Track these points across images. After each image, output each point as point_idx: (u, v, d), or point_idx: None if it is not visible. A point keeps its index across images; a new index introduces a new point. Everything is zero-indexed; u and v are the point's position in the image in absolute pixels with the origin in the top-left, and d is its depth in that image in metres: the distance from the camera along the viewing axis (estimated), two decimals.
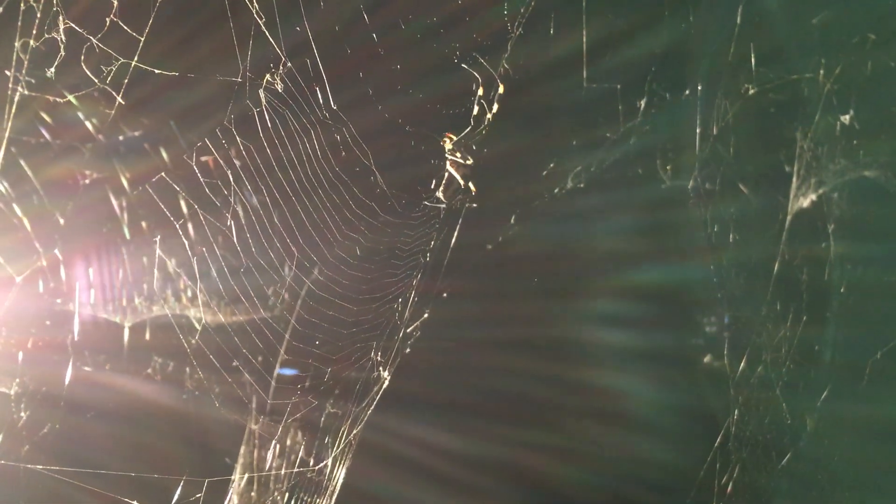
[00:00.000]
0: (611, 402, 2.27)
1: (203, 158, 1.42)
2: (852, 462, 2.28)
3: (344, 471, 1.68)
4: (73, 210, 1.58)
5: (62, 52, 1.10)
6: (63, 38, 1.09)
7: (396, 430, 1.85)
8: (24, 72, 1.08)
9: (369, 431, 1.67)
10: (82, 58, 1.11)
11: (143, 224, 1.70)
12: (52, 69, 1.11)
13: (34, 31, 1.08)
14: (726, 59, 2.06)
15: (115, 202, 1.69)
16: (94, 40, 1.11)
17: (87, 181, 1.66)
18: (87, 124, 1.56)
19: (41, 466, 1.29)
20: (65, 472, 1.28)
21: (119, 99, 1.15)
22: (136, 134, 1.68)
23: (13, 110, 1.10)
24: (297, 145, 1.31)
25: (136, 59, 1.14)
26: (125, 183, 1.69)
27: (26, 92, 1.10)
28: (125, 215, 1.70)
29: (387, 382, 1.65)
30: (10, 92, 1.09)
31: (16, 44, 1.07)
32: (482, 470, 2.00)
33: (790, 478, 2.32)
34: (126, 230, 1.69)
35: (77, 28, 1.10)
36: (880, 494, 2.24)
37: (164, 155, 1.68)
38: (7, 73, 1.09)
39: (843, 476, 2.29)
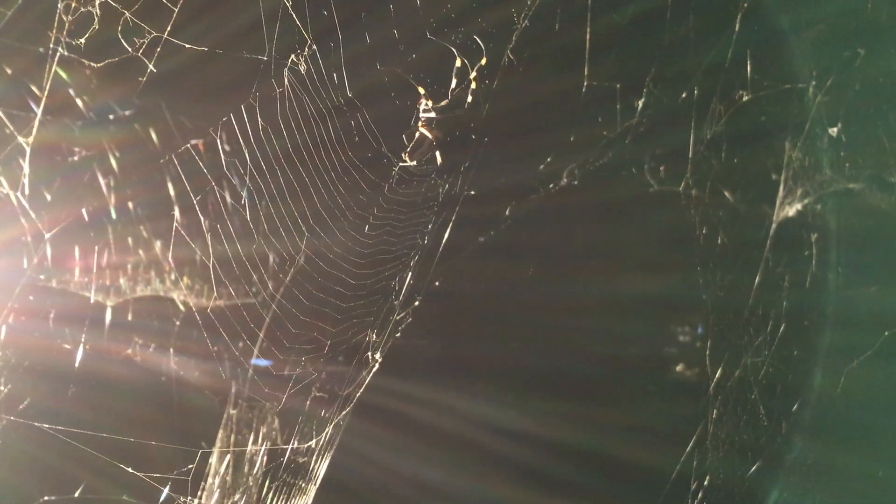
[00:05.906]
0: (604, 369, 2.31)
1: (193, 141, 1.41)
2: (826, 465, 2.34)
3: (330, 454, 1.68)
4: (62, 184, 1.57)
5: (96, 26, 1.09)
6: (98, 12, 1.09)
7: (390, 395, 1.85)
8: (64, 33, 1.08)
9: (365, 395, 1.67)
10: (119, 29, 1.11)
11: (133, 204, 1.68)
12: (83, 39, 1.10)
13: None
14: (723, 64, 2.09)
15: (102, 181, 1.68)
16: (129, 14, 1.11)
17: (75, 157, 1.64)
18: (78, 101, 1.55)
19: (37, 423, 1.29)
20: (49, 429, 1.28)
21: (151, 67, 1.15)
22: (128, 113, 1.67)
23: (53, 70, 1.09)
24: (305, 115, 1.31)
25: (167, 32, 1.14)
26: (113, 162, 1.67)
27: (66, 53, 1.09)
28: (111, 196, 1.68)
29: (377, 366, 1.65)
30: (49, 52, 1.08)
31: (59, 5, 1.06)
32: (469, 430, 2.02)
33: (764, 478, 2.36)
34: (113, 211, 1.68)
35: (112, 3, 1.10)
36: (853, 496, 2.29)
37: (153, 134, 1.67)
38: (49, 33, 1.08)
39: (817, 478, 2.34)
